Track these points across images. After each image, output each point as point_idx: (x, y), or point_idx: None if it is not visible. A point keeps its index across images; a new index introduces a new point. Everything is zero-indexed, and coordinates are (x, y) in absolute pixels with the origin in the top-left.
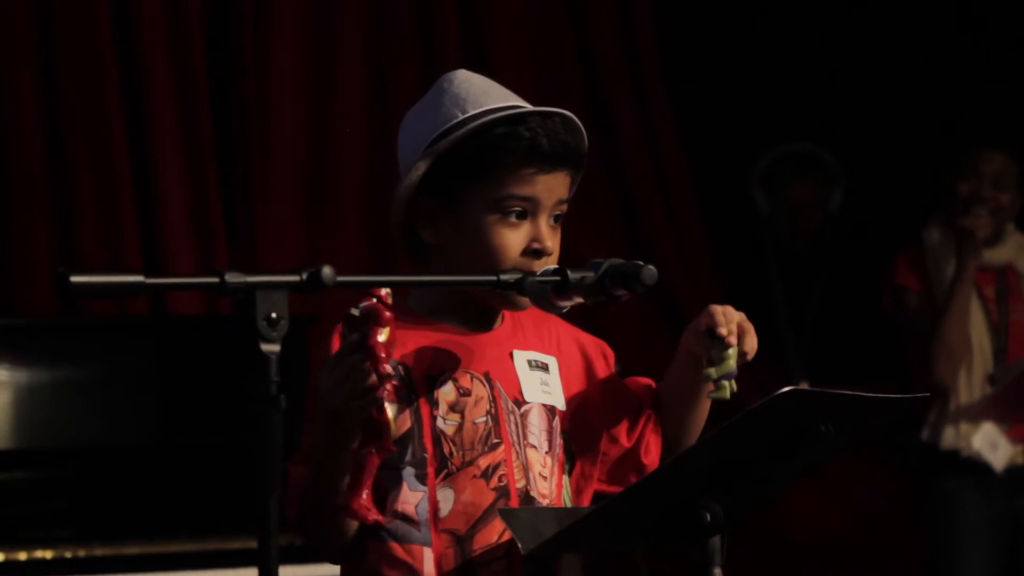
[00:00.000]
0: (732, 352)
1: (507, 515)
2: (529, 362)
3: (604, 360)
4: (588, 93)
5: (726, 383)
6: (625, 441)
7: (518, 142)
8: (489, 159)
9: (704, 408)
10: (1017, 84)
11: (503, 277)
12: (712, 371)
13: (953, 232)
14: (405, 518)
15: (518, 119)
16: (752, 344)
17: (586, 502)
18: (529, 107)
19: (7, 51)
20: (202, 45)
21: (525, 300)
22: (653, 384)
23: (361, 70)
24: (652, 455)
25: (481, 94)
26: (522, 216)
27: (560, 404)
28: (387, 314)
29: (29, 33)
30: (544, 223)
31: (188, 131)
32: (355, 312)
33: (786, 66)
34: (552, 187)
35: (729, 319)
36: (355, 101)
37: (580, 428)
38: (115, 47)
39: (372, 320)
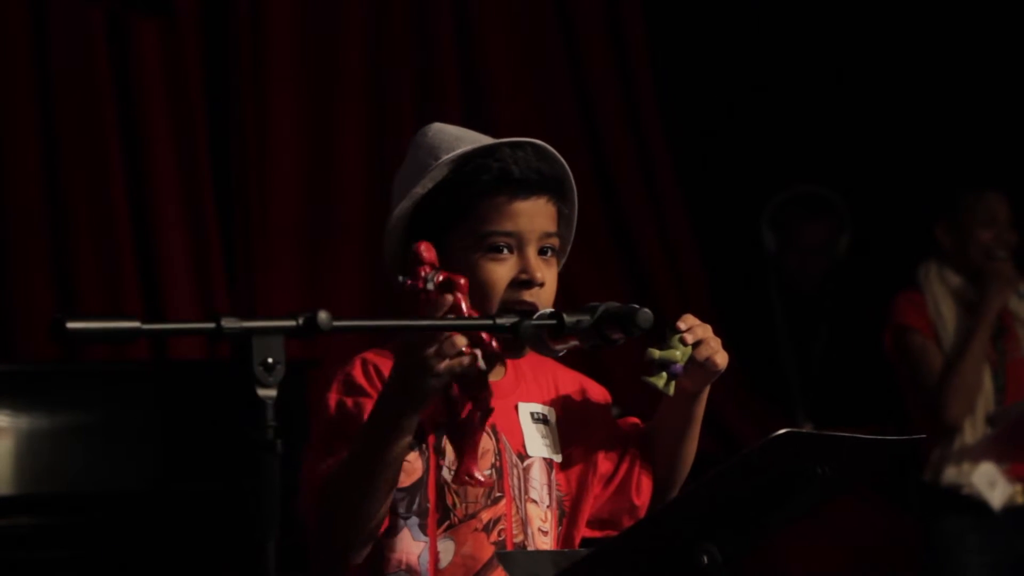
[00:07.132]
0: (684, 348)
1: (505, 559)
2: (532, 414)
3: (603, 405)
4: (586, 132)
5: (664, 375)
6: (617, 481)
7: (489, 172)
8: (465, 195)
9: (693, 446)
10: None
11: (499, 321)
12: (655, 351)
13: (972, 274)
14: (409, 569)
15: (488, 152)
16: (705, 353)
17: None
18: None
19: (7, 83)
20: (202, 95)
21: (524, 347)
22: (641, 424)
23: (360, 117)
24: (644, 496)
25: (453, 140)
26: (508, 251)
27: (557, 457)
28: (462, 281)
29: (28, 72)
30: (532, 255)
31: (188, 180)
32: (429, 283)
33: (796, 108)
34: (533, 217)
35: (692, 322)
36: (353, 148)
37: (576, 473)
38: (117, 106)
39: (454, 288)
